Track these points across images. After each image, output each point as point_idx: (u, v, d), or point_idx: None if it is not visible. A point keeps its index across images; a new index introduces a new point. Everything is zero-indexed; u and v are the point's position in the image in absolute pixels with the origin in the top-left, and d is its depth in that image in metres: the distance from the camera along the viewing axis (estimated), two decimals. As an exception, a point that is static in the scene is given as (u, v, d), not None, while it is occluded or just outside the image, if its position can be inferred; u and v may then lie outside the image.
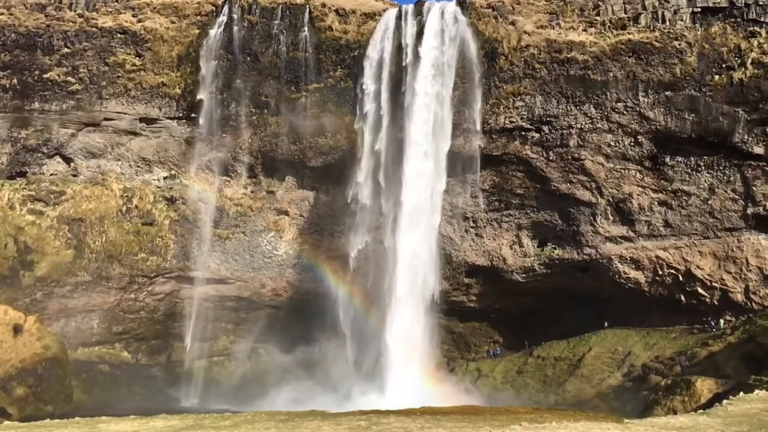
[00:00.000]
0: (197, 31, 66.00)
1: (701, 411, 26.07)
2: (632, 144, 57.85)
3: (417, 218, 57.15)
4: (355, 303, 62.43)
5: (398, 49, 61.29)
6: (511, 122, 59.54)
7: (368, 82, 61.82)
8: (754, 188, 55.33)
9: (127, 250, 62.92)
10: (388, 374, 55.56)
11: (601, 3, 61.02)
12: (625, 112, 57.40)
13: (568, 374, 55.02)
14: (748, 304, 54.56)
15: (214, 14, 66.66)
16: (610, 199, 58.85)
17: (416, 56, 59.84)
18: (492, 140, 60.04)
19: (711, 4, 57.12)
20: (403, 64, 60.48)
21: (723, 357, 42.56)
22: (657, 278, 58.42)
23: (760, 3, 56.13)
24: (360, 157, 61.52)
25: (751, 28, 55.97)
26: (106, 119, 64.52)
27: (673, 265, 57.67)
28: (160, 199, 65.49)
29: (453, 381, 60.96)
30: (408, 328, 55.87)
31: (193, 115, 64.61)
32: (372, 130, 61.39)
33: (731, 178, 55.98)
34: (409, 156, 58.16)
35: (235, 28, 64.92)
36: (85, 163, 65.01)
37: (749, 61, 54.88)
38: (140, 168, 65.90)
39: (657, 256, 58.15)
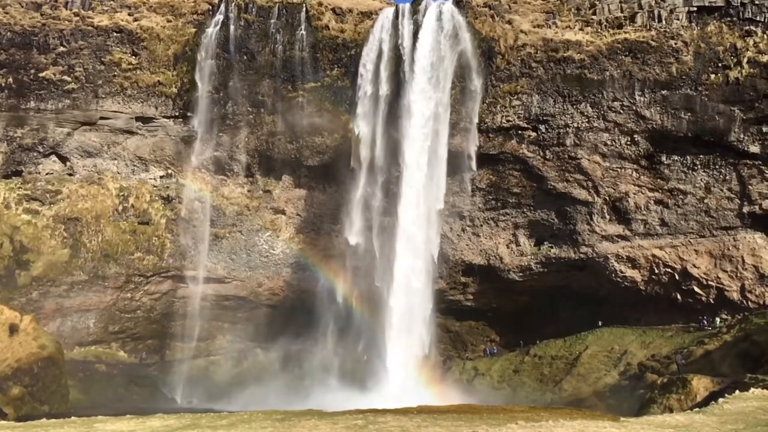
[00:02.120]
0: (194, 30, 65.90)
1: (697, 409, 26.13)
2: (629, 143, 57.96)
3: (409, 318, 56.71)
4: (353, 302, 62.47)
5: (396, 83, 60.30)
6: (508, 121, 59.60)
7: (362, 125, 60.99)
8: (749, 187, 55.47)
9: (124, 249, 62.81)
10: (386, 373, 55.73)
11: (597, 2, 61.10)
12: (621, 111, 57.49)
13: (565, 373, 55.09)
14: (744, 302, 54.71)
15: (211, 13, 66.54)
16: (607, 198, 58.95)
17: (408, 108, 59.03)
18: (489, 139, 60.10)
19: (707, 4, 57.25)
20: (399, 112, 59.46)
21: (719, 355, 42.62)
22: (653, 277, 58.55)
23: (756, 2, 56.26)
24: (351, 208, 61.35)
25: (747, 27, 56.12)
26: (102, 118, 64.37)
27: (670, 263, 57.80)
28: (157, 198, 65.39)
29: (450, 380, 61.07)
30: (406, 333, 56.27)
31: (189, 114, 64.52)
32: (367, 177, 61.06)
33: (727, 177, 56.12)
34: (401, 241, 57.44)
35: (232, 27, 64.81)
36: (81, 162, 64.87)
37: (745, 60, 55.02)
38: (136, 167, 65.77)
39: (653, 255, 58.28)
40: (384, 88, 60.75)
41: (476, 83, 59.54)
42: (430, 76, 59.80)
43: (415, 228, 57.53)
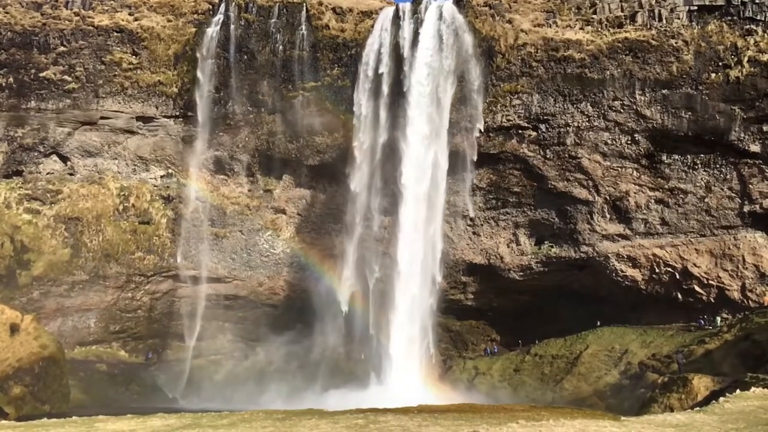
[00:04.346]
0: (194, 30, 65.90)
1: (698, 408, 26.10)
2: (629, 142, 57.93)
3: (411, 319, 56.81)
4: (353, 302, 62.45)
5: (396, 83, 60.35)
6: (509, 120, 59.58)
7: (357, 176, 61.23)
8: (750, 186, 55.46)
9: (124, 249, 62.84)
10: (387, 372, 55.82)
11: (598, 1, 61.05)
12: (621, 111, 57.47)
13: (566, 372, 55.10)
14: (745, 301, 54.72)
15: (211, 13, 66.56)
16: (607, 197, 58.93)
17: (409, 107, 59.06)
18: (489, 138, 60.08)
19: (707, 3, 57.20)
20: (400, 112, 59.57)
21: (720, 354, 42.54)
22: (654, 276, 58.53)
23: (757, 1, 56.23)
24: (345, 257, 61.49)
25: (748, 26, 56.09)
26: (102, 118, 64.40)
27: (670, 263, 57.78)
28: (157, 197, 65.42)
29: (450, 379, 61.09)
30: (408, 334, 56.37)
31: (190, 113, 64.53)
32: (361, 217, 61.45)
33: (728, 176, 56.11)
34: (399, 292, 57.46)
35: (232, 27, 64.83)
36: (82, 162, 64.89)
37: (746, 59, 54.99)
38: (137, 167, 65.79)
39: (654, 254, 58.26)
40: (384, 88, 60.78)
41: (476, 82, 59.51)
42: (431, 75, 59.78)
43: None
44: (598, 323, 58.09)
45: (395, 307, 57.18)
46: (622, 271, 59.32)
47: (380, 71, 61.14)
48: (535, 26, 60.71)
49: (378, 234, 61.72)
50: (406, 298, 56.90)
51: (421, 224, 57.81)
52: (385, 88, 60.78)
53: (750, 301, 54.41)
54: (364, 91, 61.38)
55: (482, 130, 59.39)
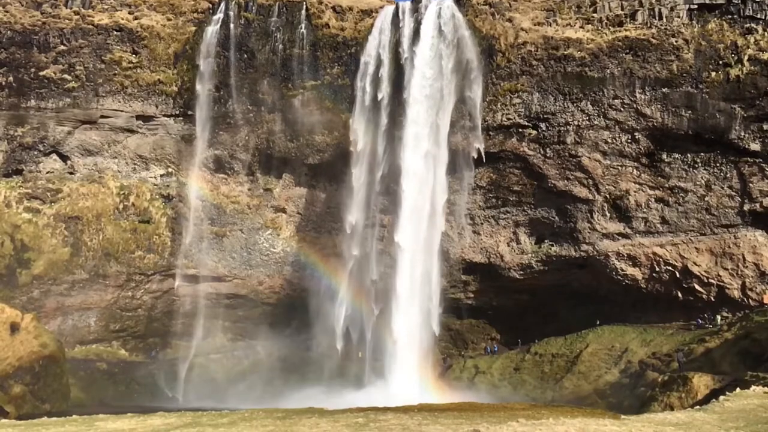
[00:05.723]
0: (194, 29, 65.87)
1: (698, 407, 26.11)
2: (629, 141, 57.92)
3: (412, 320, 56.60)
4: (353, 300, 62.41)
5: (396, 82, 59.96)
6: (509, 119, 59.55)
7: (354, 209, 61.08)
8: (750, 185, 55.44)
9: (124, 247, 62.85)
10: (387, 371, 55.83)
11: (598, 0, 61.01)
12: (622, 109, 57.44)
13: (566, 371, 55.09)
14: (745, 300, 54.73)
15: (211, 11, 66.48)
16: (607, 196, 58.92)
17: (408, 107, 58.53)
18: (489, 137, 60.03)
19: (708, 1, 57.15)
20: (399, 112, 59.31)
21: (720, 353, 42.61)
22: (654, 275, 58.53)
23: (757, 0, 56.20)
24: (341, 286, 61.38)
25: (748, 25, 56.05)
26: (102, 117, 64.38)
27: (670, 261, 57.77)
28: (157, 196, 65.41)
29: (451, 378, 61.10)
30: (409, 333, 56.33)
31: (189, 112, 64.49)
32: (360, 250, 61.40)
33: (728, 175, 56.10)
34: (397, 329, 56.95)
35: (232, 26, 64.78)
36: (82, 161, 64.88)
37: (746, 57, 54.96)
38: (137, 166, 65.77)
39: (654, 253, 58.26)
40: (384, 88, 60.64)
41: (476, 81, 59.43)
42: (431, 74, 59.72)
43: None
44: (598, 322, 58.07)
45: (395, 345, 56.82)
46: (622, 270, 59.31)
47: (379, 97, 60.66)
48: (535, 25, 60.66)
49: (377, 276, 61.03)
50: (404, 355, 56.40)
51: (419, 264, 57.37)
52: (384, 118, 59.99)
53: (750, 300, 54.42)
54: (360, 122, 60.62)
55: (481, 151, 58.69)
